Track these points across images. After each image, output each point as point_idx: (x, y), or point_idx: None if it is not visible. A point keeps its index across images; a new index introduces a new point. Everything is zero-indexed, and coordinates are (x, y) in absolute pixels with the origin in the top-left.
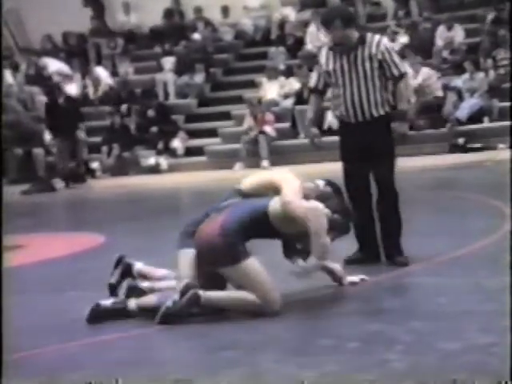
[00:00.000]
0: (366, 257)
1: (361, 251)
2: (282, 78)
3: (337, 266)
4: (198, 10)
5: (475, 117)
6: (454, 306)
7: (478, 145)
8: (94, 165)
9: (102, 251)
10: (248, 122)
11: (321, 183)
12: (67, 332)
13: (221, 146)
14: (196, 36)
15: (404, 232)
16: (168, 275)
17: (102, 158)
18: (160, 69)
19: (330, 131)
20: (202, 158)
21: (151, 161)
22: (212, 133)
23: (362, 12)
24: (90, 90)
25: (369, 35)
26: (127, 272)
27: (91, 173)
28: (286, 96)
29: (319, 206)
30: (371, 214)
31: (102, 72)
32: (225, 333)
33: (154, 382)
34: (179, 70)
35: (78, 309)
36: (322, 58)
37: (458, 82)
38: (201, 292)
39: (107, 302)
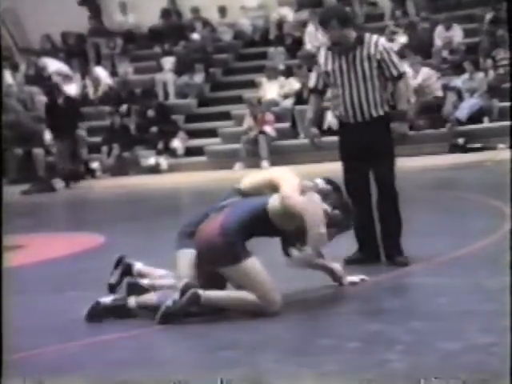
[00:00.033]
0: (366, 257)
1: (361, 251)
2: (281, 78)
3: (337, 266)
4: (196, 10)
5: (475, 117)
6: (454, 306)
7: (477, 145)
8: (94, 165)
9: (102, 251)
10: (248, 122)
11: (320, 182)
12: (67, 332)
13: (221, 146)
14: (195, 36)
15: (404, 232)
16: (167, 276)
17: (102, 158)
18: (160, 69)
19: (329, 131)
20: (202, 158)
21: (151, 161)
22: (212, 133)
23: (360, 12)
24: (90, 90)
25: (367, 35)
26: (127, 272)
27: (91, 173)
28: (285, 96)
29: (315, 195)
30: (371, 214)
31: (101, 72)
32: (224, 333)
33: (153, 382)
34: (179, 70)
35: (78, 309)
36: (321, 59)
37: (458, 82)
38: (201, 291)
39: (107, 299)
